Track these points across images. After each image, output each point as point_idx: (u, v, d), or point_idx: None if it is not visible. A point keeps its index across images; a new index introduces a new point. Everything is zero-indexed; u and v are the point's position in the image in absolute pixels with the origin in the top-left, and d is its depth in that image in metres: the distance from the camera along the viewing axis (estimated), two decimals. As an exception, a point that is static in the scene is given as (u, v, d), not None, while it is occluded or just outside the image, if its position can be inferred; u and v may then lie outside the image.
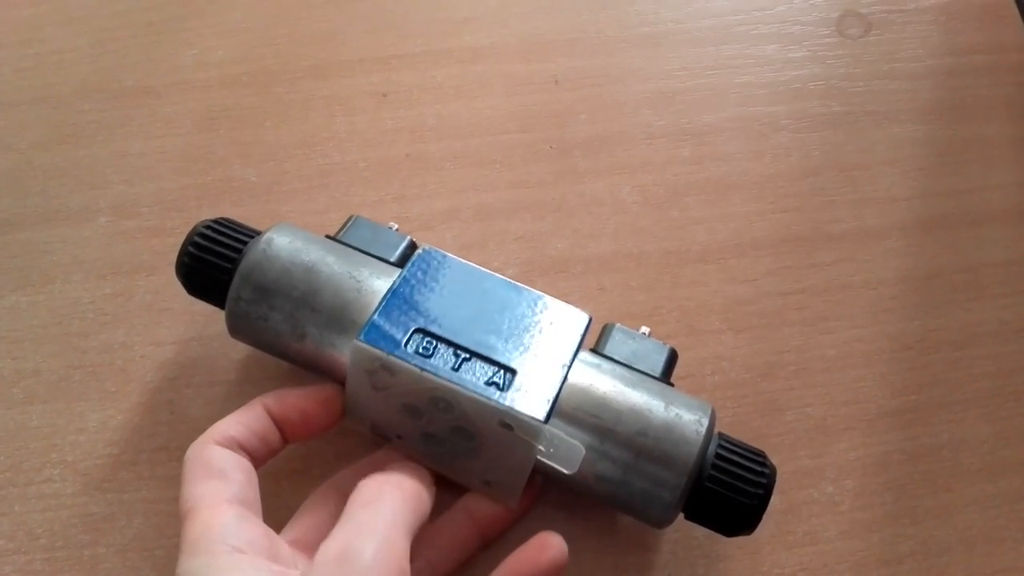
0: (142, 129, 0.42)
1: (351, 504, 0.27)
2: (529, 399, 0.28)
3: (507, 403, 0.28)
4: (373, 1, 0.46)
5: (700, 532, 0.33)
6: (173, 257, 0.38)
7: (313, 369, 0.32)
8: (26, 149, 0.41)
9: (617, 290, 0.39)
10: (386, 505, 0.26)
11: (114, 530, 0.33)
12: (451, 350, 0.29)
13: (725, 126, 0.43)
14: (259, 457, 0.29)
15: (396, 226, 0.35)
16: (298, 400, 0.31)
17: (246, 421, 0.29)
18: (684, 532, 0.34)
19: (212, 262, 0.32)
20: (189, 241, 0.33)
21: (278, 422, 0.30)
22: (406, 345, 0.29)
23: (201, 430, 0.34)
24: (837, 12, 0.47)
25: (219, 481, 0.27)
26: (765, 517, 0.30)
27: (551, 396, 0.28)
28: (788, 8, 0.47)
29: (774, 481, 0.30)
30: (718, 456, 0.30)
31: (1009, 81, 0.45)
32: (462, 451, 0.30)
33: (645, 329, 0.33)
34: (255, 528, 0.27)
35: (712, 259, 0.39)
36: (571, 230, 0.40)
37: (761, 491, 0.29)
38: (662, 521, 0.31)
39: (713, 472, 0.30)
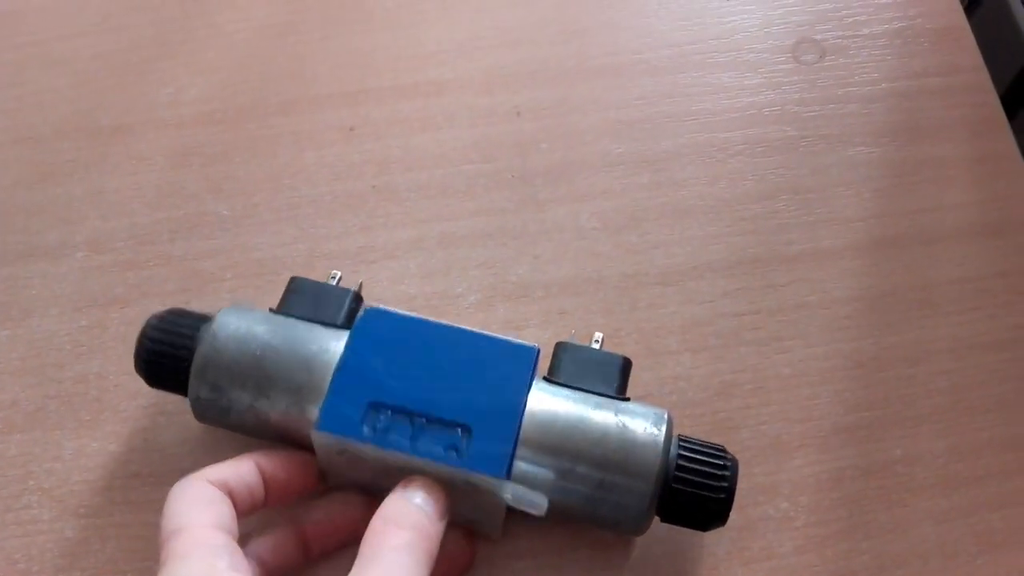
0: (118, 167, 0.43)
1: (380, 545, 0.27)
2: (488, 458, 0.29)
3: (467, 468, 0.29)
4: (341, 39, 0.47)
5: (659, 550, 0.34)
6: (147, 289, 0.40)
7: (288, 444, 0.33)
8: (8, 187, 0.43)
9: (578, 313, 0.39)
10: (410, 552, 0.27)
11: (88, 554, 0.34)
12: (407, 419, 0.30)
13: (682, 152, 0.44)
14: (242, 509, 0.30)
15: (339, 274, 0.35)
16: (284, 461, 0.31)
17: (238, 471, 0.30)
18: (643, 549, 0.34)
19: (166, 363, 0.32)
20: (142, 342, 0.33)
21: (266, 480, 0.31)
22: (363, 423, 0.30)
23: (173, 457, 0.36)
24: (792, 39, 0.48)
25: (208, 509, 0.28)
26: (722, 533, 0.31)
27: (508, 452, 0.29)
28: (744, 36, 0.48)
29: (737, 471, 0.31)
30: (680, 457, 0.31)
31: (963, 102, 0.46)
32: None
33: (598, 335, 0.34)
34: (243, 559, 0.27)
35: (670, 282, 0.40)
36: (532, 256, 0.41)
37: (726, 483, 0.31)
38: (637, 530, 0.32)
39: (678, 473, 0.31)
